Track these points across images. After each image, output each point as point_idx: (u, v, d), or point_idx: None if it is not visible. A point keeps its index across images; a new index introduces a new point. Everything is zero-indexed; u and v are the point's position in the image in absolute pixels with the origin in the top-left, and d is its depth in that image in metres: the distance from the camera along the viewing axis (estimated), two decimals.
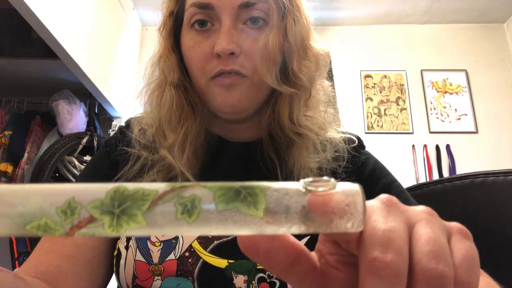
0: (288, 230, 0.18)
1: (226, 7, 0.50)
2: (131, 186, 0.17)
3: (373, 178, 0.57)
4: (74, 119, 2.33)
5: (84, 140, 2.25)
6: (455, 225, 0.22)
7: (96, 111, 2.52)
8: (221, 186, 0.17)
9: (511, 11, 2.70)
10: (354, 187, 0.19)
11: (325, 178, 0.19)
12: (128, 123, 0.63)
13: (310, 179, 0.19)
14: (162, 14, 0.58)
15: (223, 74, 0.51)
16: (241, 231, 0.17)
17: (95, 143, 2.28)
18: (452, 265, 0.19)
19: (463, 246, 0.20)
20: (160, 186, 0.17)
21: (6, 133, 2.32)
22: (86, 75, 2.03)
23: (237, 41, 0.50)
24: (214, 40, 0.50)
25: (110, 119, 2.60)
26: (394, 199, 0.21)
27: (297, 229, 0.18)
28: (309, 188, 0.18)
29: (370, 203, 0.21)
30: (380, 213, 0.20)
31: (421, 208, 0.22)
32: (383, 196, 0.21)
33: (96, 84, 2.14)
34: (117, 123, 2.59)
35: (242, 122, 0.58)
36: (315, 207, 0.18)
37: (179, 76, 0.55)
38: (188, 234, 0.17)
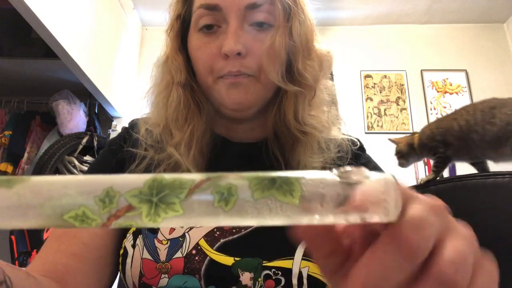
0: (322, 219, 0.18)
1: (233, 8, 0.51)
2: (168, 175, 0.17)
3: None
4: (74, 119, 2.33)
5: (84, 140, 2.25)
6: (489, 259, 0.21)
7: (96, 111, 2.52)
8: (257, 175, 0.17)
9: (511, 11, 2.71)
10: (387, 176, 0.19)
11: (357, 168, 0.19)
12: (133, 124, 0.64)
13: (347, 168, 0.19)
14: (169, 17, 0.59)
15: (230, 75, 0.52)
16: (275, 220, 0.18)
17: (95, 143, 2.29)
18: (468, 280, 0.19)
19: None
20: (197, 176, 0.17)
21: (6, 133, 2.32)
22: (86, 75, 2.03)
23: (244, 42, 0.51)
24: (221, 41, 0.51)
25: (110, 119, 2.60)
26: (444, 207, 0.21)
27: (332, 218, 0.18)
28: (343, 176, 0.18)
29: (421, 197, 0.21)
30: (427, 209, 0.19)
31: (464, 228, 0.21)
32: (436, 201, 0.21)
33: (96, 84, 2.14)
34: (117, 123, 2.59)
35: (247, 122, 0.59)
36: (350, 196, 0.18)
37: (185, 76, 0.56)
38: (224, 224, 0.17)
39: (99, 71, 2.20)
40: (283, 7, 0.52)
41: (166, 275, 0.47)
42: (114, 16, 2.44)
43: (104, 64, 2.29)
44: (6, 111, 2.49)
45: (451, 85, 2.70)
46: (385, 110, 2.68)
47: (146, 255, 0.48)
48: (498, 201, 0.70)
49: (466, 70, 2.71)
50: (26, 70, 2.36)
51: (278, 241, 0.49)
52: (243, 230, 0.50)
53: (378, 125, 2.64)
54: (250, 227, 0.50)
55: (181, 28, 0.58)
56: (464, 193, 0.73)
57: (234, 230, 0.50)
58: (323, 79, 0.59)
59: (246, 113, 0.56)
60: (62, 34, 1.77)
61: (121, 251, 0.51)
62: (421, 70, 2.74)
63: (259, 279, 0.46)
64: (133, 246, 0.50)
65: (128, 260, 0.49)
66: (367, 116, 2.67)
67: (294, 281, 0.46)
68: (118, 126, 2.59)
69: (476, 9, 2.68)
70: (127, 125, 0.66)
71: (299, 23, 0.54)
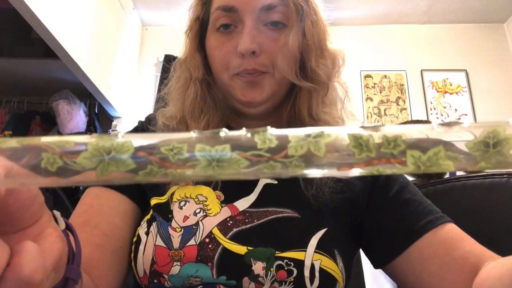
0: None
1: (248, 9, 0.54)
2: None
3: (391, 177, 0.59)
4: (74, 119, 2.33)
5: None
6: None
7: (96, 111, 2.53)
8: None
9: (511, 11, 2.71)
10: None
11: None
12: (150, 117, 0.66)
13: None
14: (188, 19, 0.62)
15: (246, 73, 0.54)
16: None
17: None
18: None
19: None
20: None
21: (6, 133, 2.32)
22: (86, 75, 2.03)
23: (258, 41, 0.53)
24: (237, 40, 0.54)
25: (110, 119, 2.60)
26: None
27: None
28: None
29: None
30: None
31: None
32: None
33: (96, 84, 2.14)
34: (117, 123, 2.60)
35: (262, 120, 0.61)
36: None
37: (203, 72, 0.59)
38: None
39: (99, 71, 2.20)
40: (296, 8, 0.55)
41: (179, 263, 0.47)
42: (114, 16, 2.44)
43: (104, 64, 2.29)
44: (6, 111, 2.49)
45: (451, 85, 2.70)
46: (385, 110, 2.68)
47: (160, 242, 0.49)
48: (496, 201, 0.71)
49: (466, 70, 2.71)
50: (26, 70, 2.37)
51: (291, 232, 0.49)
52: (255, 220, 0.50)
53: None
54: (263, 218, 0.51)
55: (200, 30, 0.61)
56: (463, 193, 0.73)
57: (246, 220, 0.50)
58: (336, 76, 0.61)
59: (259, 109, 0.57)
60: (62, 34, 1.77)
61: (134, 239, 0.52)
62: (421, 70, 2.74)
63: (271, 269, 0.47)
64: (147, 233, 0.50)
65: (141, 247, 0.49)
66: (367, 116, 2.67)
67: (306, 273, 0.46)
68: (118, 126, 2.59)
69: (476, 9, 2.68)
70: (134, 123, 0.67)
71: (312, 24, 0.56)
